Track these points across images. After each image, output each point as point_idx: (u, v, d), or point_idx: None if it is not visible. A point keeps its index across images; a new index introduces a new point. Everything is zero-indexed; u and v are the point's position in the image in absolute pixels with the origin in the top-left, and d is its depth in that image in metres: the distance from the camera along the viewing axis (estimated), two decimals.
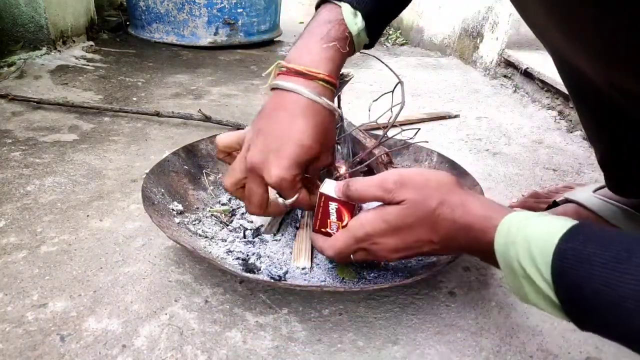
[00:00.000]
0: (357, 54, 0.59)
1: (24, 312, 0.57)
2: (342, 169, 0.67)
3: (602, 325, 0.34)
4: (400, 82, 0.64)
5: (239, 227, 0.71)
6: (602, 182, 0.76)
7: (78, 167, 0.92)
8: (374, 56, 0.73)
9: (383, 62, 0.68)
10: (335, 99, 0.76)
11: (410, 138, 0.70)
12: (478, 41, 1.89)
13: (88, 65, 1.62)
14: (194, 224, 0.70)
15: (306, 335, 0.56)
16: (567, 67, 0.59)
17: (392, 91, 0.66)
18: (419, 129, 0.71)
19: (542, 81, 1.44)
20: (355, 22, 0.54)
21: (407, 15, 2.58)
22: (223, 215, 0.74)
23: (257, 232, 0.69)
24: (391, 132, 0.69)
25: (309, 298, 0.62)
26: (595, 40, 0.43)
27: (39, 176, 0.88)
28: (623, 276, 0.31)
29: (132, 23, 2.11)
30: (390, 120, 0.66)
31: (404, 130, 0.66)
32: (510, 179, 0.98)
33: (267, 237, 0.69)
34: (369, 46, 0.60)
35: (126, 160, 0.97)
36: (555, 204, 0.75)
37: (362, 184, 0.51)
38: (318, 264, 0.64)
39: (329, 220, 0.56)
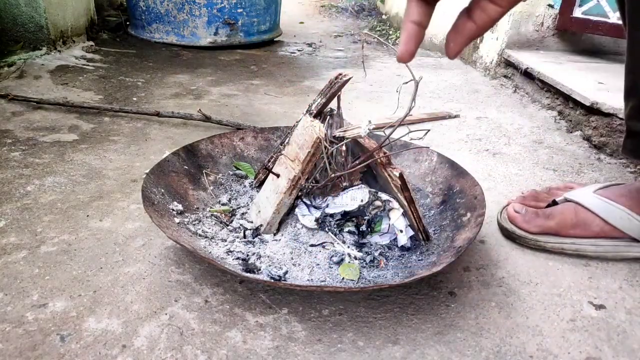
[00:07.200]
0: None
1: (24, 312, 0.57)
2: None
3: None
4: (416, 81, 0.64)
5: (239, 227, 0.71)
6: (602, 182, 0.77)
7: (78, 167, 0.92)
8: (392, 47, 0.74)
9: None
10: (335, 99, 0.76)
11: (420, 138, 0.71)
12: (478, 41, 1.89)
13: (88, 65, 1.62)
14: (194, 224, 0.70)
15: (306, 335, 0.56)
16: None
17: (417, 83, 0.65)
18: (429, 129, 0.71)
19: (542, 81, 1.44)
20: None
21: None
22: (223, 215, 0.74)
23: (257, 232, 0.69)
24: (399, 132, 0.69)
25: (309, 298, 0.62)
26: None
27: (39, 176, 0.88)
28: None
29: (132, 23, 2.11)
30: (397, 122, 0.66)
31: (411, 131, 0.66)
32: (510, 179, 0.98)
33: (267, 237, 0.69)
34: None
35: (126, 160, 0.97)
36: (554, 203, 0.76)
37: None
38: (318, 264, 0.64)
39: None
